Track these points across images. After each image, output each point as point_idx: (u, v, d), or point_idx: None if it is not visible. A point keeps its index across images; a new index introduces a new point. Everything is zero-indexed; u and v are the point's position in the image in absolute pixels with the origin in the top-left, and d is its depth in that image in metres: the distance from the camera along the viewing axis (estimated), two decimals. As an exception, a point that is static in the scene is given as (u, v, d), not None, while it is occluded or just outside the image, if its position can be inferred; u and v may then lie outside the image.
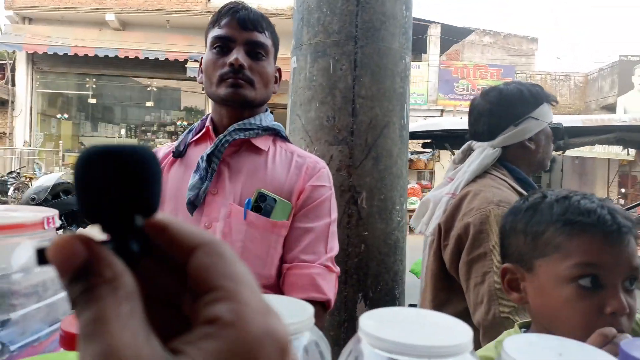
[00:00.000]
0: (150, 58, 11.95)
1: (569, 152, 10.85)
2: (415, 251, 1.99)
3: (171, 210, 0.98)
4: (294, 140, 1.45)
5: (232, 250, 0.21)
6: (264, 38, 1.02)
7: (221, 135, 0.99)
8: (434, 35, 14.40)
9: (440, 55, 15.00)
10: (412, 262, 3.36)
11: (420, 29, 14.30)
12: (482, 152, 1.24)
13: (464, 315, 1.09)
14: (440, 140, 4.21)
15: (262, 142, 1.04)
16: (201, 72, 1.05)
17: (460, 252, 1.10)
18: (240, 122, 1.01)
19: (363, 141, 1.39)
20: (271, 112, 1.10)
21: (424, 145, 4.47)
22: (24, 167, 11.96)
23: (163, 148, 1.10)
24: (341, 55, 1.39)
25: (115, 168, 0.19)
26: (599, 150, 11.27)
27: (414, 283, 2.29)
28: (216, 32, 1.01)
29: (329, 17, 1.41)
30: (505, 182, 1.18)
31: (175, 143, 1.07)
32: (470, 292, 1.06)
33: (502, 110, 1.24)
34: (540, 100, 1.24)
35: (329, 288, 0.97)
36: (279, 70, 1.11)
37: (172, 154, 1.04)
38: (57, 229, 2.03)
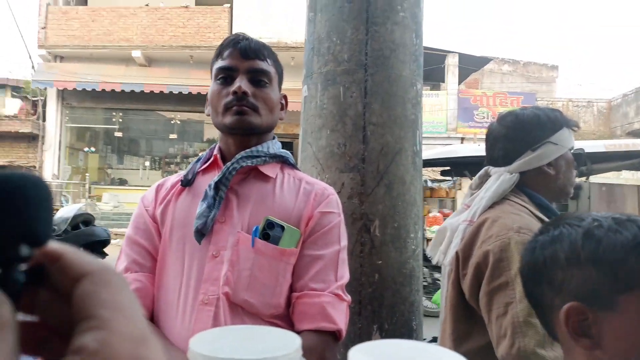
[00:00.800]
0: (174, 92, 12.35)
1: (595, 179, 10.56)
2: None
3: (180, 239, 0.98)
4: (306, 168, 1.45)
5: (122, 279, 0.21)
6: (266, 65, 1.03)
7: (229, 163, 0.99)
8: (451, 65, 14.49)
9: (459, 84, 15.04)
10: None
11: (438, 58, 14.41)
12: (499, 178, 1.21)
13: (487, 348, 1.03)
14: (459, 167, 4.16)
15: (270, 170, 1.03)
16: (208, 104, 1.06)
17: (480, 281, 1.05)
18: (247, 150, 1.01)
19: (375, 168, 1.37)
20: (288, 142, 1.11)
21: (443, 173, 4.42)
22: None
23: (172, 177, 1.11)
24: (351, 83, 1.40)
25: None
26: (627, 177, 10.94)
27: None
28: (219, 63, 1.03)
29: (338, 46, 1.42)
30: (525, 209, 1.14)
31: (184, 172, 1.07)
32: (492, 325, 1.01)
33: (518, 134, 1.21)
34: (559, 125, 1.20)
35: (340, 317, 0.93)
36: (284, 97, 1.12)
37: (180, 183, 1.05)
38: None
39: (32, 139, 13.65)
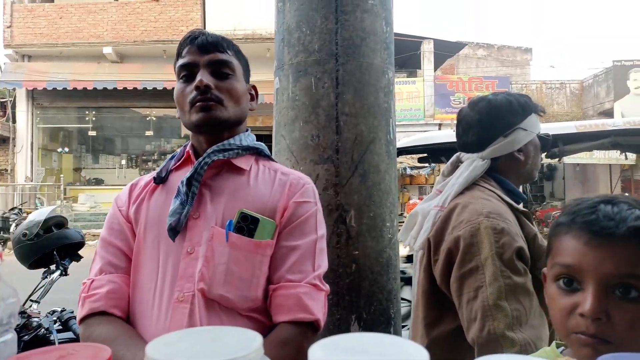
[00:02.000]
0: (148, 88, 12.12)
1: (569, 159, 10.81)
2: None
3: (154, 237, 0.96)
4: (280, 161, 1.43)
5: None
6: (227, 56, 1.01)
7: (200, 158, 0.97)
8: (427, 51, 14.57)
9: (435, 70, 15.15)
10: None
11: (413, 45, 14.48)
12: (471, 164, 1.22)
13: (458, 333, 1.05)
14: (436, 154, 4.20)
15: (244, 162, 1.02)
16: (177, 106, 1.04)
17: (451, 267, 1.07)
18: (219, 144, 0.99)
19: (349, 159, 1.37)
20: (267, 135, 1.10)
21: (420, 160, 4.46)
22: (26, 202, 12.00)
23: (145, 177, 1.09)
24: (323, 73, 1.38)
25: None
26: (599, 156, 11.24)
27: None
28: (179, 62, 1.01)
29: (309, 37, 1.40)
30: (494, 194, 1.15)
31: (157, 170, 1.05)
32: (463, 309, 1.02)
33: (491, 121, 1.22)
34: (528, 111, 1.22)
35: (318, 307, 0.93)
36: (254, 87, 1.10)
37: (153, 180, 1.03)
38: (51, 263, 1.96)
39: (3, 142, 13.26)
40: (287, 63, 1.45)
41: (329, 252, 1.04)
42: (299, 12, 1.43)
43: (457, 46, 16.16)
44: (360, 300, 1.33)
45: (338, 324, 1.30)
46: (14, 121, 13.26)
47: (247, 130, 1.08)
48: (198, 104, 0.97)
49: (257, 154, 1.06)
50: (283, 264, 0.94)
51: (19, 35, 12.85)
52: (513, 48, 19.55)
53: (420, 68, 14.99)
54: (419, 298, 1.19)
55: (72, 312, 2.00)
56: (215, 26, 12.53)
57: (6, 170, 13.14)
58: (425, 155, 4.36)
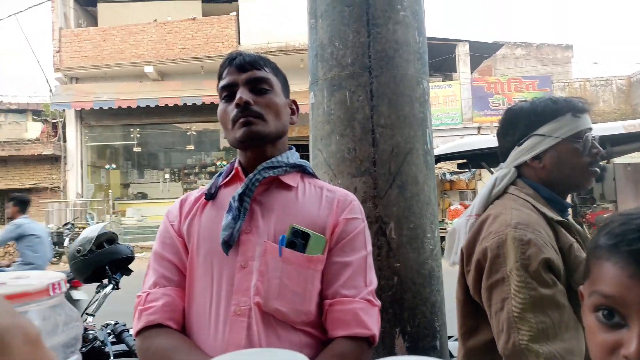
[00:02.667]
0: (188, 104, 12.52)
1: (620, 159, 10.28)
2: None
3: (207, 252, 0.99)
4: (318, 175, 1.44)
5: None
6: (265, 73, 1.04)
7: (251, 175, 1.00)
8: (462, 54, 14.32)
9: (471, 73, 14.85)
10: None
11: (448, 48, 14.27)
12: (500, 173, 1.22)
13: (493, 343, 1.04)
14: (476, 159, 4.10)
15: (291, 179, 1.05)
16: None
17: (481, 277, 1.06)
18: (268, 161, 1.03)
19: (386, 170, 1.37)
20: (303, 145, 1.13)
21: (460, 166, 4.36)
22: (77, 217, 12.59)
23: (194, 192, 1.12)
24: (357, 86, 1.39)
25: None
26: (653, 154, 10.62)
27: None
28: (220, 84, 1.05)
29: (341, 51, 1.42)
30: (527, 203, 1.12)
31: (206, 187, 1.09)
32: (492, 320, 1.02)
33: (506, 129, 1.22)
34: (551, 115, 1.15)
35: (373, 323, 0.95)
36: (294, 102, 1.13)
37: (204, 196, 1.06)
38: (103, 277, 2.05)
39: (55, 160, 14.00)
40: (321, 78, 1.47)
41: (369, 265, 1.05)
42: (331, 27, 1.45)
43: (494, 47, 15.80)
44: (403, 313, 1.32)
45: (382, 337, 1.29)
46: (65, 140, 14.00)
47: (290, 148, 1.12)
48: (240, 120, 1.00)
49: (302, 171, 1.09)
50: (337, 279, 0.96)
51: (67, 59, 13.60)
52: (553, 46, 18.90)
53: (455, 71, 14.74)
54: (457, 309, 1.19)
55: (125, 325, 2.08)
56: (250, 41, 12.83)
57: (58, 187, 13.86)
58: (465, 161, 4.27)
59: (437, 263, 1.43)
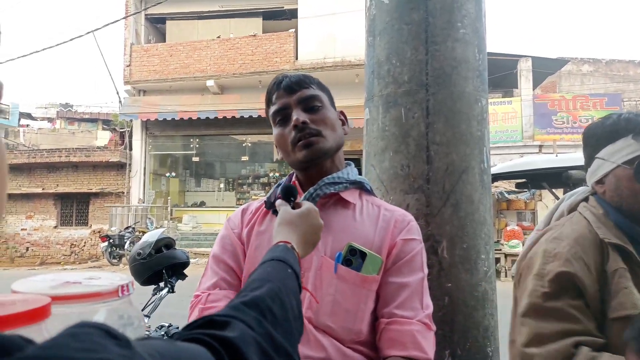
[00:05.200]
0: (245, 116, 12.93)
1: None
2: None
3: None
4: (370, 190, 1.45)
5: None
6: (313, 90, 1.05)
7: (312, 189, 1.02)
8: (524, 69, 13.82)
9: (533, 89, 14.29)
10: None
11: (509, 64, 13.84)
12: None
13: None
14: (537, 179, 3.92)
15: (350, 196, 1.05)
16: (278, 150, 1.09)
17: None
18: (329, 177, 1.04)
19: (440, 188, 1.35)
20: (355, 159, 1.14)
21: (518, 186, 4.18)
22: (138, 222, 13.26)
23: (254, 203, 1.15)
24: (413, 103, 1.39)
25: None
26: None
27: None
28: (272, 109, 1.06)
29: (398, 68, 1.42)
30: (585, 220, 1.09)
31: (266, 197, 1.12)
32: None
33: (583, 149, 1.19)
34: (612, 137, 1.07)
35: (429, 346, 0.93)
36: (341, 112, 1.14)
37: (264, 205, 1.09)
38: (160, 281, 2.15)
39: (121, 167, 14.87)
40: (377, 94, 1.48)
41: (420, 284, 1.03)
42: (388, 45, 1.46)
43: (559, 63, 15.14)
44: (454, 335, 1.28)
45: (430, 359, 1.26)
46: (130, 149, 14.86)
47: (349, 165, 1.13)
48: (300, 142, 1.01)
49: (361, 187, 1.09)
50: (393, 300, 0.95)
51: (136, 73, 14.48)
52: (625, 62, 17.83)
53: (516, 87, 14.24)
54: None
55: (177, 327, 2.16)
56: (307, 56, 13.09)
57: (122, 192, 14.69)
58: (524, 180, 4.09)
59: (491, 286, 1.38)
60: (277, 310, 0.53)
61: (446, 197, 1.34)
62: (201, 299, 1.00)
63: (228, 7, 14.52)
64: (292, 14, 14.07)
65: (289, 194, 0.94)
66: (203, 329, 0.43)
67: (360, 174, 1.17)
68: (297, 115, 1.01)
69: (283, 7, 14.31)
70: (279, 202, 0.92)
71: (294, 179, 1.10)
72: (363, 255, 0.96)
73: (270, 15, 14.69)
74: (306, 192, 1.01)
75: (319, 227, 0.87)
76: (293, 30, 13.70)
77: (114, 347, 0.25)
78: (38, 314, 0.39)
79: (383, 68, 1.47)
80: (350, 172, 1.08)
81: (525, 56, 14.02)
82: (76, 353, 0.22)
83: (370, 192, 1.11)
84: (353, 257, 0.95)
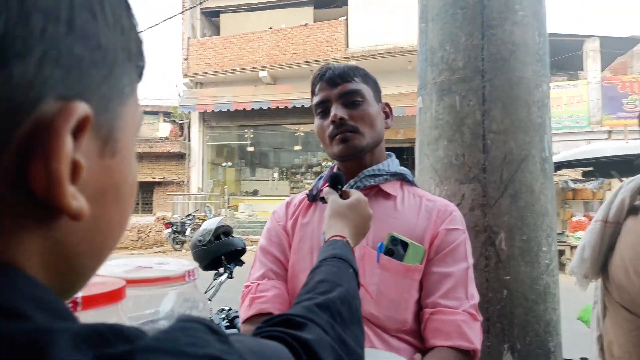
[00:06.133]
0: (297, 106, 13.04)
1: None
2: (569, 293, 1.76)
3: (308, 249, 1.05)
4: (423, 180, 1.43)
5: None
6: (355, 84, 1.05)
7: (352, 181, 1.04)
8: (591, 50, 12.92)
9: (602, 71, 13.34)
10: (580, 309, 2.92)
11: (574, 45, 12.99)
12: None
13: None
14: (604, 167, 3.68)
15: (391, 188, 1.06)
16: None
17: None
18: (370, 169, 1.05)
19: (498, 178, 1.30)
20: (409, 147, 1.13)
21: (585, 174, 3.94)
22: (198, 210, 13.81)
23: (298, 195, 1.19)
24: (467, 91, 1.35)
25: None
26: None
27: (581, 332, 1.99)
28: (314, 100, 1.08)
29: (452, 55, 1.39)
30: None
31: (308, 189, 1.15)
32: None
33: None
34: None
35: (475, 337, 0.92)
36: (386, 104, 1.13)
37: (307, 198, 1.12)
38: (220, 266, 2.25)
39: (181, 157, 15.52)
40: (430, 82, 1.45)
41: (477, 275, 1.02)
42: (442, 31, 1.43)
43: (630, 42, 14.00)
44: (513, 329, 1.25)
45: (489, 352, 1.24)
46: (189, 140, 15.45)
47: (390, 156, 1.12)
48: (337, 137, 1.03)
49: (402, 179, 1.09)
50: (437, 289, 0.95)
51: (193, 66, 14.97)
52: None
53: (582, 69, 13.34)
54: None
55: (237, 311, 2.25)
56: (358, 44, 12.96)
57: (183, 181, 15.34)
58: (591, 169, 3.85)
59: (553, 279, 1.33)
60: (345, 314, 0.54)
61: (504, 187, 1.30)
62: (251, 289, 1.04)
63: (280, -2, 14.64)
64: (343, 2, 13.94)
65: (336, 182, 0.95)
66: (282, 327, 0.45)
67: (409, 163, 1.16)
68: (336, 111, 1.02)
69: (334, -5, 14.23)
70: (326, 190, 0.93)
71: (335, 170, 1.11)
72: (405, 245, 0.96)
73: (321, 4, 14.64)
74: (346, 185, 1.02)
75: (369, 217, 0.87)
76: (344, 18, 13.58)
77: (216, 343, 0.28)
78: (115, 296, 0.43)
79: (436, 55, 1.44)
80: (390, 164, 1.08)
81: (592, 36, 13.08)
82: (186, 347, 0.25)
83: (412, 183, 1.10)
84: (395, 247, 0.96)
